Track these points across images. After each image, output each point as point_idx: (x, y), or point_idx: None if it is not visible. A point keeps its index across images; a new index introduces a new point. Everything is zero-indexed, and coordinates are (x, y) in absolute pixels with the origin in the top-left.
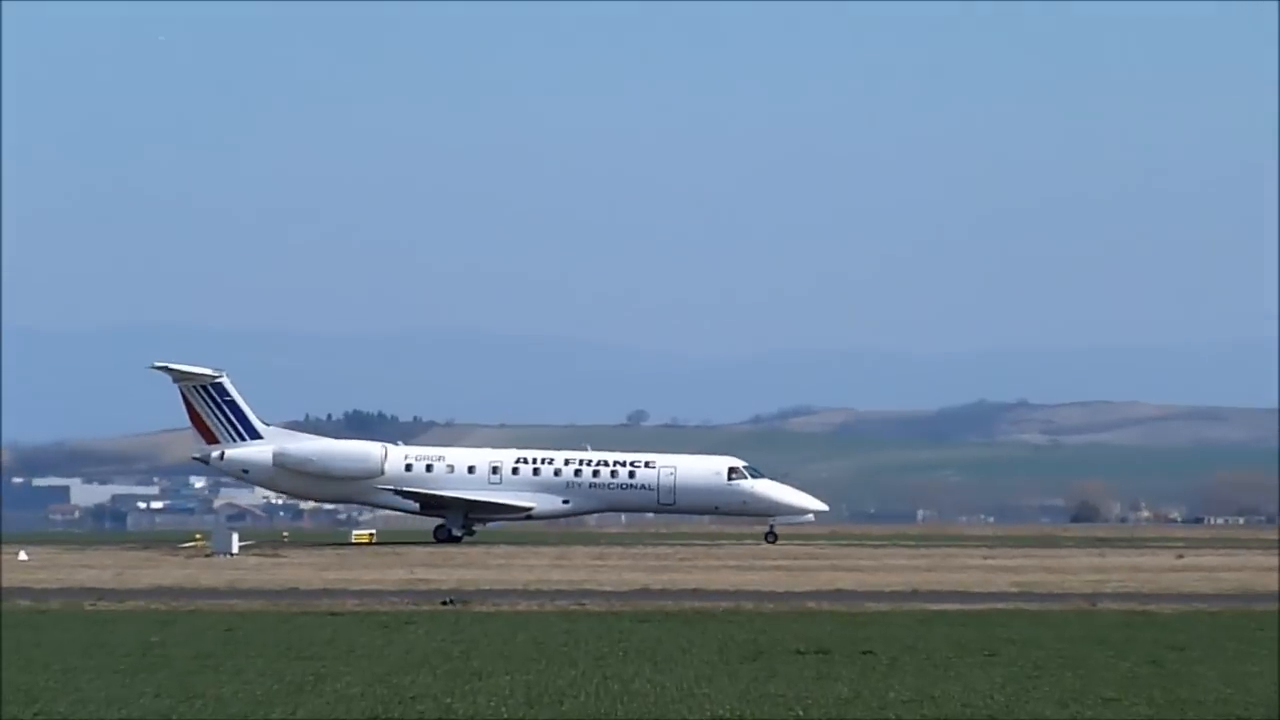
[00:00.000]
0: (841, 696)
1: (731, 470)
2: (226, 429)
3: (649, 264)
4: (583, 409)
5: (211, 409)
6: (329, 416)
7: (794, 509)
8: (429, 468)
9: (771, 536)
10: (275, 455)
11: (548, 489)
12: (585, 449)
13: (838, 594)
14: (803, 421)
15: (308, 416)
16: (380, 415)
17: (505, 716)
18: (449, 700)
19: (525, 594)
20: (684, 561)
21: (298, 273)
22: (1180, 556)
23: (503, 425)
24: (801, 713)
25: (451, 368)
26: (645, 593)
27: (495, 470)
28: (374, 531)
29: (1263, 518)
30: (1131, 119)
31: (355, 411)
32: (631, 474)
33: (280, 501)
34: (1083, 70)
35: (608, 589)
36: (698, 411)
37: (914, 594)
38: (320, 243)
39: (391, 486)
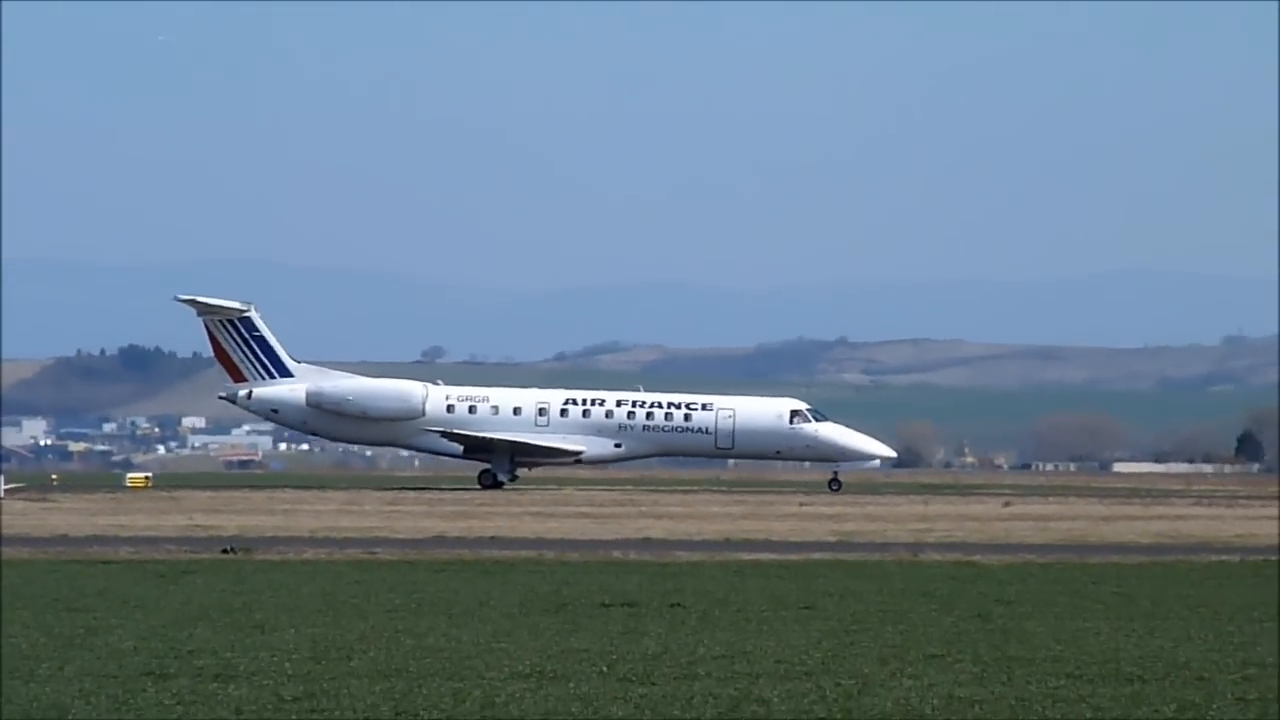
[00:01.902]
0: (649, 651)
1: (794, 413)
2: (255, 366)
3: (443, 196)
4: (376, 345)
5: (239, 344)
6: (102, 351)
7: (860, 454)
8: (472, 409)
9: (835, 484)
10: (309, 394)
11: (599, 431)
12: (638, 389)
13: (646, 543)
14: (611, 359)
15: (79, 352)
16: (158, 350)
17: (290, 672)
18: (230, 654)
19: (312, 542)
20: (482, 508)
21: (70, 197)
22: (1008, 505)
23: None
24: (606, 668)
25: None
26: (441, 541)
27: (542, 411)
28: (150, 474)
29: (1096, 464)
30: (961, 43)
31: (132, 346)
32: (687, 416)
33: (48, 443)
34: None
35: (401, 536)
36: (498, 348)
37: (727, 543)
38: (98, 162)
39: (440, 429)
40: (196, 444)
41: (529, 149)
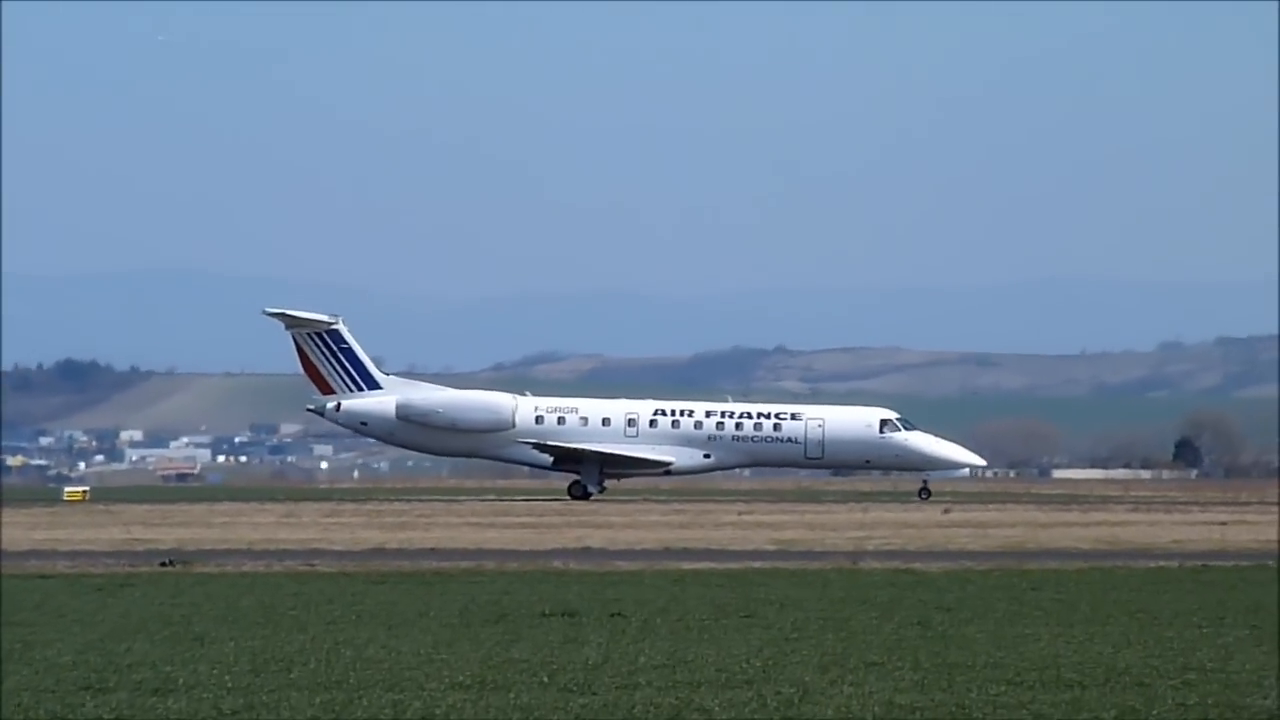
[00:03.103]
0: (589, 661)
1: (884, 422)
2: (343, 378)
3: (381, 203)
4: None
5: (327, 357)
6: (39, 365)
7: (950, 463)
8: (561, 420)
9: (925, 493)
10: (399, 407)
11: (688, 442)
12: (726, 399)
13: (586, 552)
14: (549, 368)
15: (15, 365)
16: (95, 364)
17: (229, 685)
18: (168, 668)
19: (251, 554)
20: (422, 519)
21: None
22: (947, 511)
23: (228, 374)
24: (547, 678)
25: (171, 311)
26: (380, 552)
27: (631, 422)
28: (87, 489)
29: (1035, 470)
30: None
31: (68, 360)
32: (777, 426)
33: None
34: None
35: (339, 548)
36: (437, 357)
37: (667, 552)
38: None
39: (530, 440)
40: (134, 457)
41: (466, 155)
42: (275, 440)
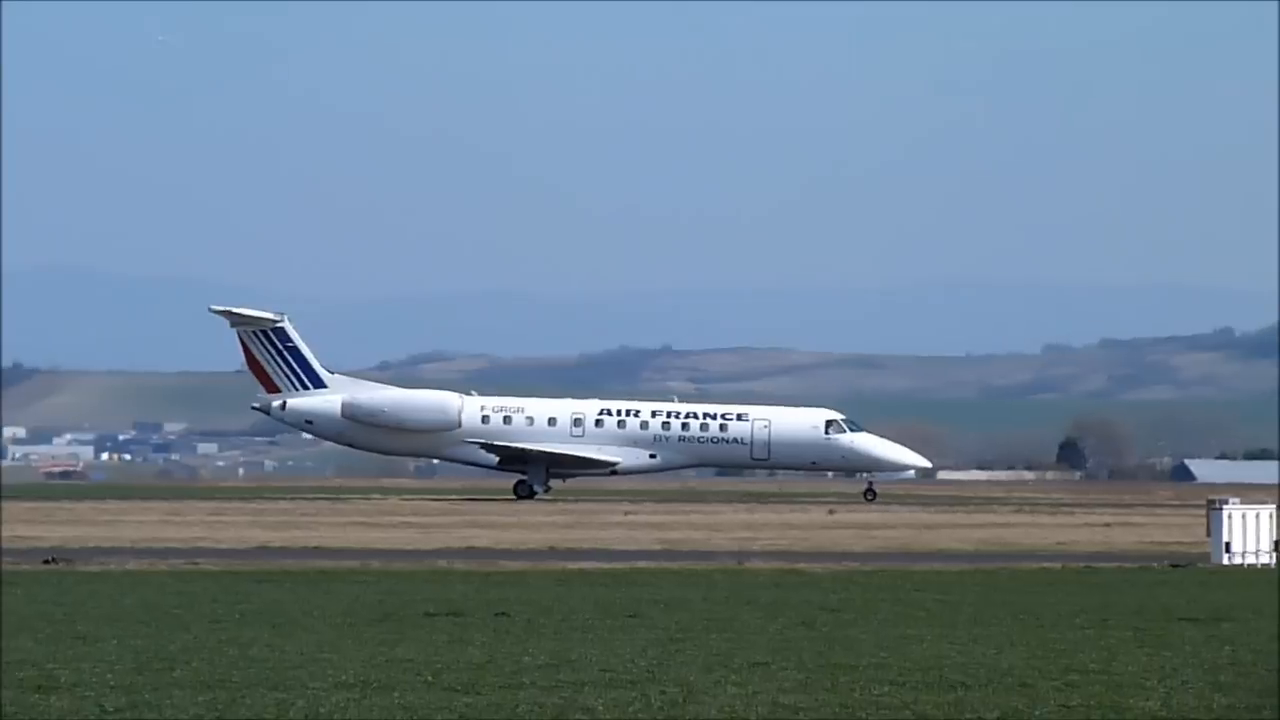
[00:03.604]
0: (474, 661)
1: (829, 423)
2: (288, 377)
3: (267, 203)
4: (197, 355)
5: (272, 355)
6: None
7: (896, 464)
8: (507, 419)
9: (870, 494)
10: (345, 406)
11: (634, 442)
12: (673, 400)
13: (471, 552)
14: (436, 368)
15: None
16: None
17: (113, 683)
18: (51, 666)
19: (135, 552)
20: (307, 518)
21: None
22: (832, 512)
23: (111, 372)
24: (431, 678)
25: (52, 309)
26: (265, 551)
27: (578, 422)
28: None
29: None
30: (778, 51)
31: None
32: (723, 427)
33: None
34: None
35: (224, 547)
36: (322, 356)
37: (552, 552)
38: None
39: (479, 440)
40: (17, 454)
41: (350, 156)
42: (160, 439)
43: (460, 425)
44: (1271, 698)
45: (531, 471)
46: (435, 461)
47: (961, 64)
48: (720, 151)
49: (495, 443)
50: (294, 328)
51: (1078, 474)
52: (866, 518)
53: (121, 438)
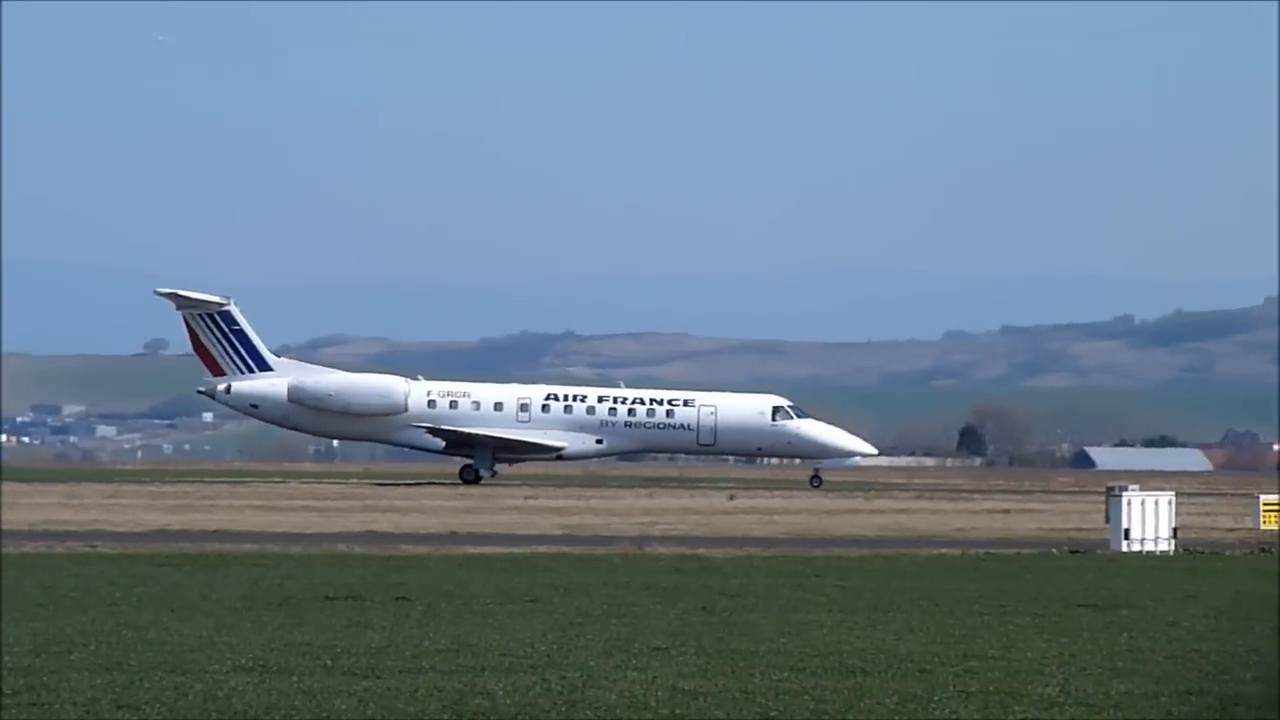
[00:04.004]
0: (374, 645)
1: (776, 409)
2: (234, 360)
3: (163, 186)
4: (95, 338)
5: (218, 338)
6: None
7: (842, 451)
8: (453, 404)
9: (816, 481)
10: (291, 389)
11: (580, 428)
12: (620, 385)
13: (371, 536)
14: (335, 352)
15: None
16: None
17: (10, 665)
18: None
19: (31, 535)
20: (205, 501)
21: None
22: (732, 498)
23: (9, 354)
24: (330, 661)
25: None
26: (163, 534)
27: (524, 407)
28: None
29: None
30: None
31: None
32: (669, 413)
33: None
34: None
35: (122, 530)
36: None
37: (452, 536)
38: None
39: (425, 424)
40: None
41: (250, 139)
42: (58, 421)
43: (407, 409)
44: (1169, 684)
45: (478, 456)
46: (380, 446)
47: (859, 56)
48: (624, 137)
49: (442, 427)
50: (240, 311)
51: (978, 461)
52: (768, 503)
53: (20, 420)
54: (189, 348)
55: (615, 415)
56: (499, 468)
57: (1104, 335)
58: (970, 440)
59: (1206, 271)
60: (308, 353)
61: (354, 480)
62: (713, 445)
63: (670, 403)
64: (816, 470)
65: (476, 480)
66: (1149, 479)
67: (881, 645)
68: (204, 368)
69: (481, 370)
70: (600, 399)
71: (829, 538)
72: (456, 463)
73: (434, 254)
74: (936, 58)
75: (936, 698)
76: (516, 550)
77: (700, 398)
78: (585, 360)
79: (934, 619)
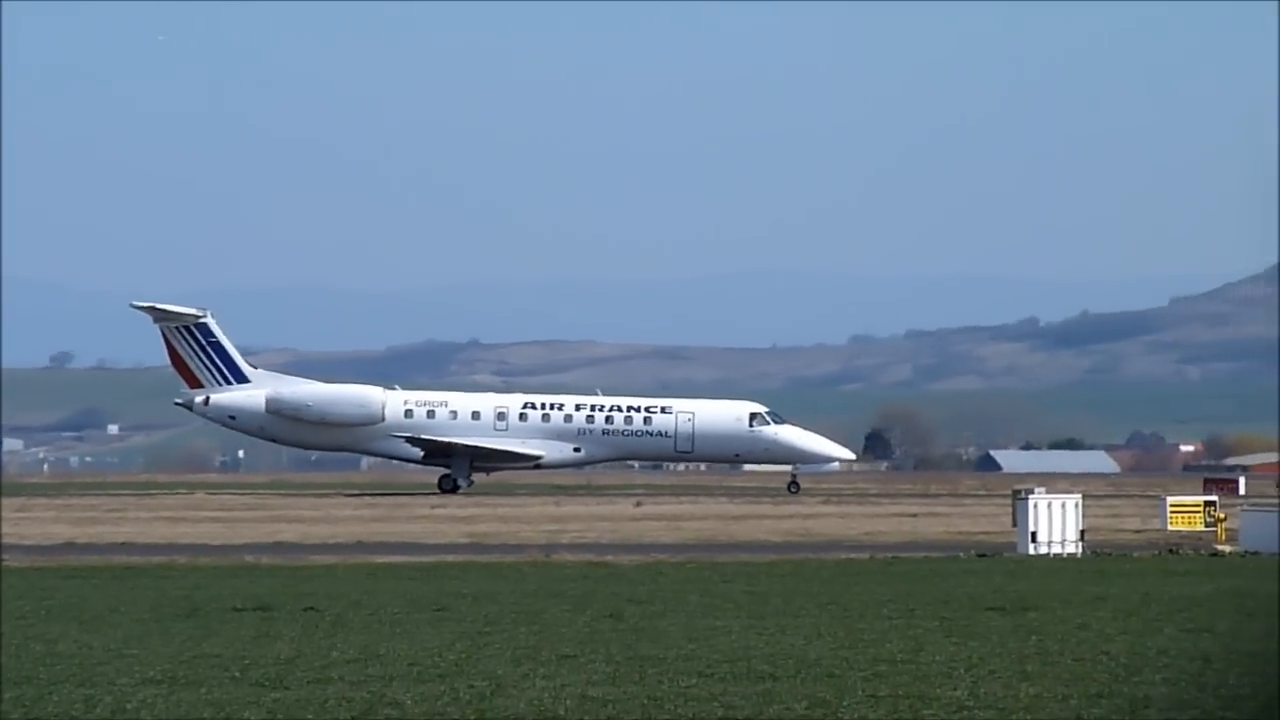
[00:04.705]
0: (282, 656)
1: (753, 415)
2: (211, 372)
3: (67, 196)
4: (2, 350)
5: (195, 351)
6: None
7: (820, 456)
8: (430, 413)
9: (794, 486)
10: (268, 400)
11: (558, 436)
12: (596, 393)
13: (278, 547)
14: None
15: None
16: None
17: None
18: None
19: None
20: (113, 513)
21: None
22: (639, 504)
23: None
24: (239, 673)
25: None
26: (71, 547)
27: (501, 416)
28: None
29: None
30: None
31: None
32: (647, 420)
33: None
34: None
35: (29, 543)
36: (128, 353)
37: (360, 546)
38: None
39: (403, 434)
40: None
41: (151, 148)
42: None
43: (384, 419)
44: (1078, 686)
45: (456, 465)
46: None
47: (765, 58)
48: (523, 140)
49: (420, 436)
50: (217, 324)
51: (884, 464)
52: (675, 509)
53: None
54: (95, 360)
55: (593, 423)
56: (476, 477)
57: (1009, 337)
58: (876, 444)
59: (1111, 272)
60: None
61: (262, 491)
62: (690, 452)
63: (648, 410)
64: (794, 476)
65: (455, 490)
66: (1055, 481)
67: (790, 650)
68: (181, 380)
69: (386, 379)
70: (578, 407)
71: (736, 543)
72: (430, 472)
73: (338, 262)
74: (840, 59)
75: (845, 702)
76: (424, 559)
77: (677, 404)
78: (491, 368)
79: (842, 623)
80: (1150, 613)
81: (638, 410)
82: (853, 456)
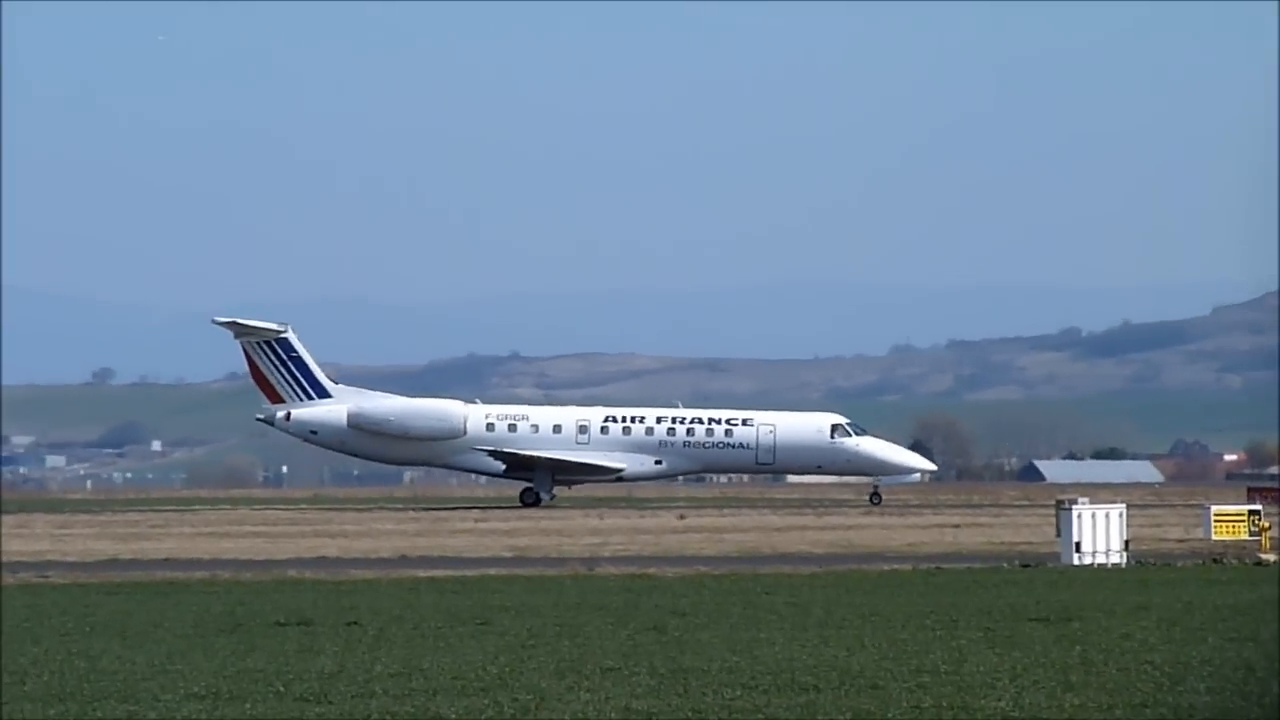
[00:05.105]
0: (325, 670)
1: (835, 427)
2: (292, 387)
3: (108, 210)
4: (42, 367)
5: (276, 366)
6: None
7: (901, 468)
8: (512, 427)
9: (876, 498)
10: (350, 415)
11: (639, 449)
12: (678, 405)
13: (320, 561)
14: None
15: None
16: None
17: None
18: None
19: None
20: (155, 529)
21: None
22: (682, 517)
23: None
24: (283, 688)
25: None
26: (114, 563)
27: (583, 429)
28: None
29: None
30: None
31: None
32: (728, 432)
33: None
34: None
35: (72, 559)
36: (169, 368)
37: (402, 560)
38: None
39: (487, 448)
40: None
41: (188, 163)
42: (6, 451)
43: (465, 433)
44: (1122, 696)
45: (538, 479)
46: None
47: (794, 63)
48: (562, 157)
49: (502, 450)
50: (298, 338)
51: (925, 475)
52: (717, 521)
53: None
54: (136, 376)
55: (674, 435)
56: (558, 490)
57: (1050, 347)
58: (918, 454)
59: (1152, 280)
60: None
61: (304, 505)
62: (771, 464)
63: (729, 422)
64: (876, 487)
65: (537, 503)
66: (1098, 491)
67: (833, 662)
68: (262, 395)
69: (427, 393)
70: (659, 419)
71: (778, 555)
72: (510, 485)
73: (380, 276)
74: (876, 61)
75: (889, 714)
76: (467, 573)
77: (759, 416)
78: (532, 381)
79: (885, 634)
80: (1194, 622)
81: (719, 422)
82: (934, 467)
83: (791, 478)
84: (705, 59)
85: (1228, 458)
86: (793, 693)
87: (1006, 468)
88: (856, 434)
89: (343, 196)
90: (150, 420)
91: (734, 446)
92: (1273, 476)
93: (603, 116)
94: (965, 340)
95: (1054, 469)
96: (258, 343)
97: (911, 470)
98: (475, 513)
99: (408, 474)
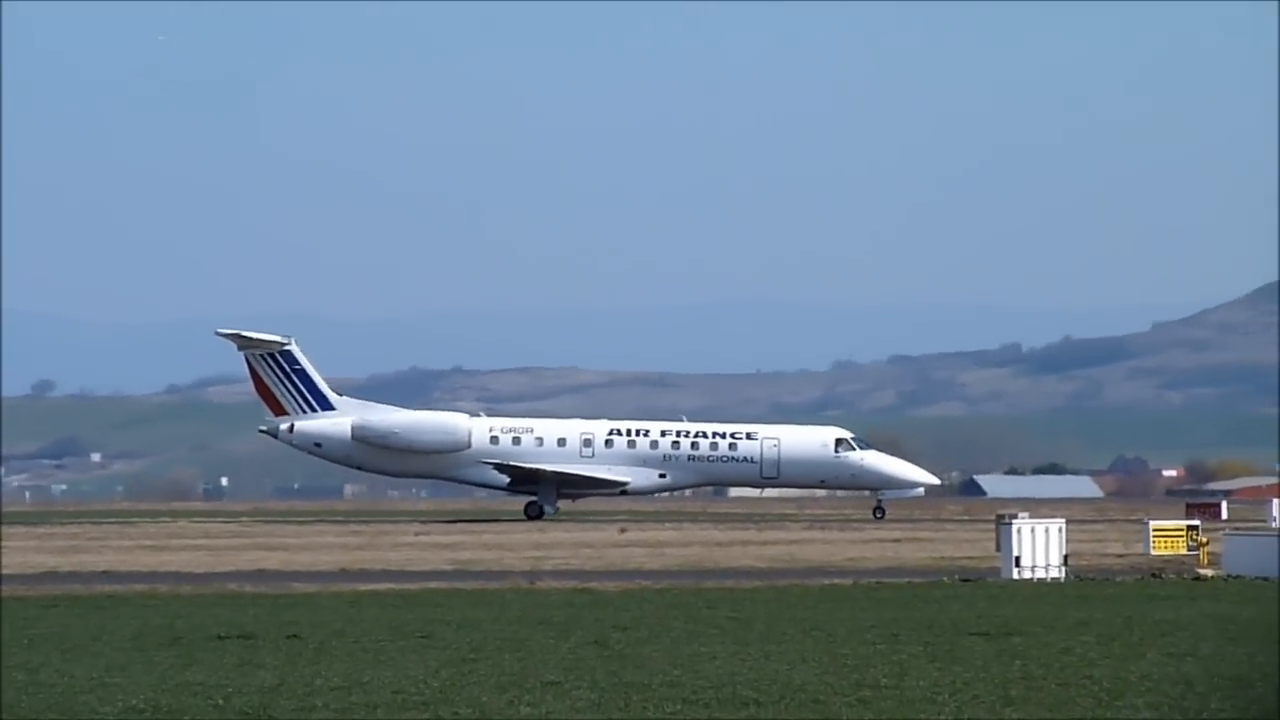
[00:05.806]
0: (266, 684)
1: (839, 441)
2: (296, 399)
3: (48, 224)
4: None
5: (279, 378)
6: None
7: (905, 482)
8: (516, 440)
9: (879, 512)
10: (354, 428)
11: (644, 462)
12: (681, 419)
13: (261, 574)
14: (222, 390)
15: None
16: None
17: None
18: None
19: None
20: (95, 541)
21: None
22: (624, 531)
23: None
24: (222, 702)
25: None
26: (53, 576)
27: (587, 442)
28: None
29: (710, 489)
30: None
31: None
32: (732, 445)
33: None
34: None
35: (11, 572)
36: (108, 380)
37: (343, 574)
38: None
39: (493, 460)
40: None
41: (129, 176)
42: None
43: (470, 446)
44: (1062, 711)
45: (542, 492)
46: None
47: (733, 82)
48: (509, 168)
49: (508, 463)
50: (301, 351)
51: (868, 490)
52: (659, 535)
53: None
54: (76, 389)
55: (679, 449)
56: (562, 504)
57: (992, 363)
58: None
59: (1092, 298)
60: (196, 391)
61: (244, 518)
62: (776, 478)
63: (733, 436)
64: (879, 501)
65: (540, 516)
66: (1039, 506)
67: (775, 676)
68: (265, 407)
69: None
70: (663, 433)
71: (720, 569)
72: (505, 499)
73: (322, 288)
74: (830, 84)
75: None
76: (408, 586)
77: (763, 430)
78: (474, 395)
79: (827, 649)
80: (1133, 637)
81: (723, 436)
82: (938, 481)
83: (733, 491)
84: (652, 76)
85: (1167, 473)
86: (734, 707)
87: (948, 483)
88: (860, 448)
89: (283, 211)
90: (90, 433)
91: (738, 460)
92: (1210, 493)
93: (553, 136)
94: (907, 355)
95: (995, 484)
96: (261, 355)
97: (915, 484)
98: (417, 526)
99: (349, 487)
